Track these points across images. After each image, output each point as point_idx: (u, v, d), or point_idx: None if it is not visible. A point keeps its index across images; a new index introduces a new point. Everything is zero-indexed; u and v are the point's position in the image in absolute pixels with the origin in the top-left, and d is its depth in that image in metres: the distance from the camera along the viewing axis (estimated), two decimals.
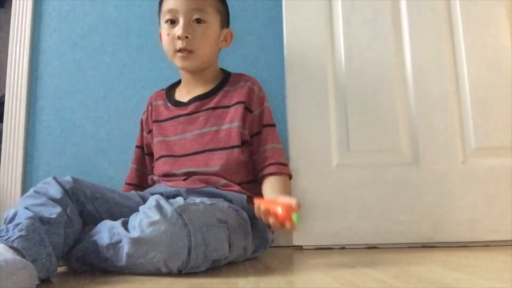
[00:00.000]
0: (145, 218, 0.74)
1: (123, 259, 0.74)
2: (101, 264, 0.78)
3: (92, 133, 1.37)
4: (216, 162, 1.03)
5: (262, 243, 1.00)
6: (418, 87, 1.31)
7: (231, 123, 1.05)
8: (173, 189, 0.99)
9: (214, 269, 0.81)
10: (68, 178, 0.84)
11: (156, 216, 0.73)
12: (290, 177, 1.09)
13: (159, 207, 0.75)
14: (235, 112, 1.06)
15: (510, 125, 1.29)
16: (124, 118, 1.38)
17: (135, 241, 0.73)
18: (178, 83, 1.19)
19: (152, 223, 0.73)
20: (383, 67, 1.32)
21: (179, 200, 0.81)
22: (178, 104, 1.12)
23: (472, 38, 1.33)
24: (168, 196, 0.92)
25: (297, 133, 1.28)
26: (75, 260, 0.81)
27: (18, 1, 1.42)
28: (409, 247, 1.22)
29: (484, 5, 1.35)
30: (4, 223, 0.73)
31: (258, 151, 1.08)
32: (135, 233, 0.73)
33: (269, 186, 1.02)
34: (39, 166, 1.35)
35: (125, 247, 0.74)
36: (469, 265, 0.87)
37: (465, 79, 1.32)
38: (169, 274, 0.75)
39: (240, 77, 1.13)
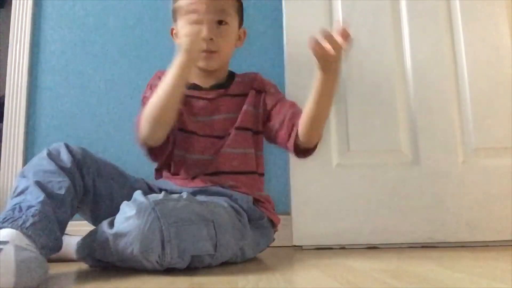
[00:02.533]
0: (122, 213, 0.77)
1: (114, 255, 0.77)
2: (105, 259, 0.80)
3: (92, 132, 1.37)
4: (234, 143, 1.05)
5: (265, 241, 1.02)
6: (418, 87, 1.31)
7: (249, 106, 1.08)
8: (178, 188, 0.99)
9: (214, 269, 0.81)
10: (78, 149, 0.88)
11: (131, 211, 0.76)
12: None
13: (135, 202, 0.78)
14: (251, 97, 1.09)
15: (510, 125, 1.29)
16: (124, 118, 1.38)
17: (115, 236, 0.76)
18: None
19: (127, 218, 0.75)
20: (383, 67, 1.32)
21: (160, 195, 0.82)
22: (197, 87, 1.10)
23: (472, 37, 1.33)
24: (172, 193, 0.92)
25: None
26: (87, 258, 0.83)
27: (18, 1, 1.42)
28: (409, 247, 1.22)
29: (484, 4, 1.35)
30: (14, 192, 0.78)
31: (288, 110, 1.05)
32: (114, 228, 0.77)
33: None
34: None
35: (111, 243, 0.76)
36: (469, 265, 0.87)
37: (465, 79, 1.32)
38: (168, 273, 0.76)
39: (246, 73, 1.16)
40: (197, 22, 1.03)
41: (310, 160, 1.25)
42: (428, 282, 0.66)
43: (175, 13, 1.10)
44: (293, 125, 1.01)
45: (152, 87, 1.09)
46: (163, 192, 0.83)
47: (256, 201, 1.02)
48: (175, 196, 0.83)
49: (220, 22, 1.05)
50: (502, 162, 1.27)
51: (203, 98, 1.09)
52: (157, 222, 0.74)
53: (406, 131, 1.30)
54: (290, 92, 1.30)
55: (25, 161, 1.35)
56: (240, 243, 0.89)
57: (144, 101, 1.07)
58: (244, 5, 1.13)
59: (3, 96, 1.39)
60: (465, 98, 1.31)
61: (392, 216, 1.24)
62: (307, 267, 0.85)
